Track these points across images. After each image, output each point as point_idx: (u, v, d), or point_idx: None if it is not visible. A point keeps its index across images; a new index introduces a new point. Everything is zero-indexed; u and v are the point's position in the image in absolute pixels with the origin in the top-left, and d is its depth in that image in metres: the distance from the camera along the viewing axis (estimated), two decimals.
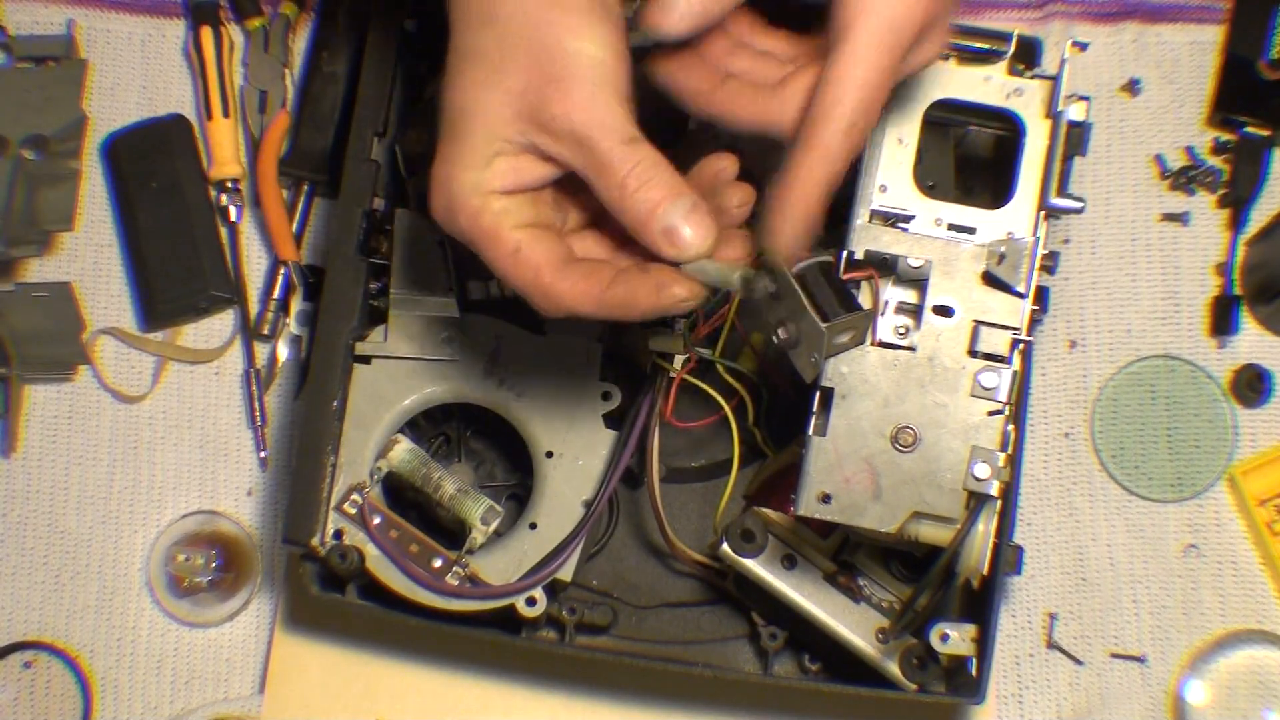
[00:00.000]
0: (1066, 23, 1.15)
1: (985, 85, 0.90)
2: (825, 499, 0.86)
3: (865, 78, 0.76)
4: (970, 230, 0.88)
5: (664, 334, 1.00)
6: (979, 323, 0.87)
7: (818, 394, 0.87)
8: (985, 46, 0.90)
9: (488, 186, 0.78)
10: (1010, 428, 0.86)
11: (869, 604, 0.98)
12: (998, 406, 0.86)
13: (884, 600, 0.98)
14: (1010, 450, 0.86)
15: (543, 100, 0.76)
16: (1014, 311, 0.87)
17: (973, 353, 0.87)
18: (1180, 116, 1.15)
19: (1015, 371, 0.86)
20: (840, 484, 0.86)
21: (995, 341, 0.86)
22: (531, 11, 0.77)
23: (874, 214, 0.88)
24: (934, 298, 0.87)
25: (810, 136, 0.76)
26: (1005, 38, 0.90)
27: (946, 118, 0.96)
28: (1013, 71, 0.90)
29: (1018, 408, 0.89)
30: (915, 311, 0.88)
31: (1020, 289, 0.86)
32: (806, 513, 0.86)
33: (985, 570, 0.87)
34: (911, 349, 0.87)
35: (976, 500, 0.85)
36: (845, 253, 0.88)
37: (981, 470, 0.85)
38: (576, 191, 0.81)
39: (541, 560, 0.99)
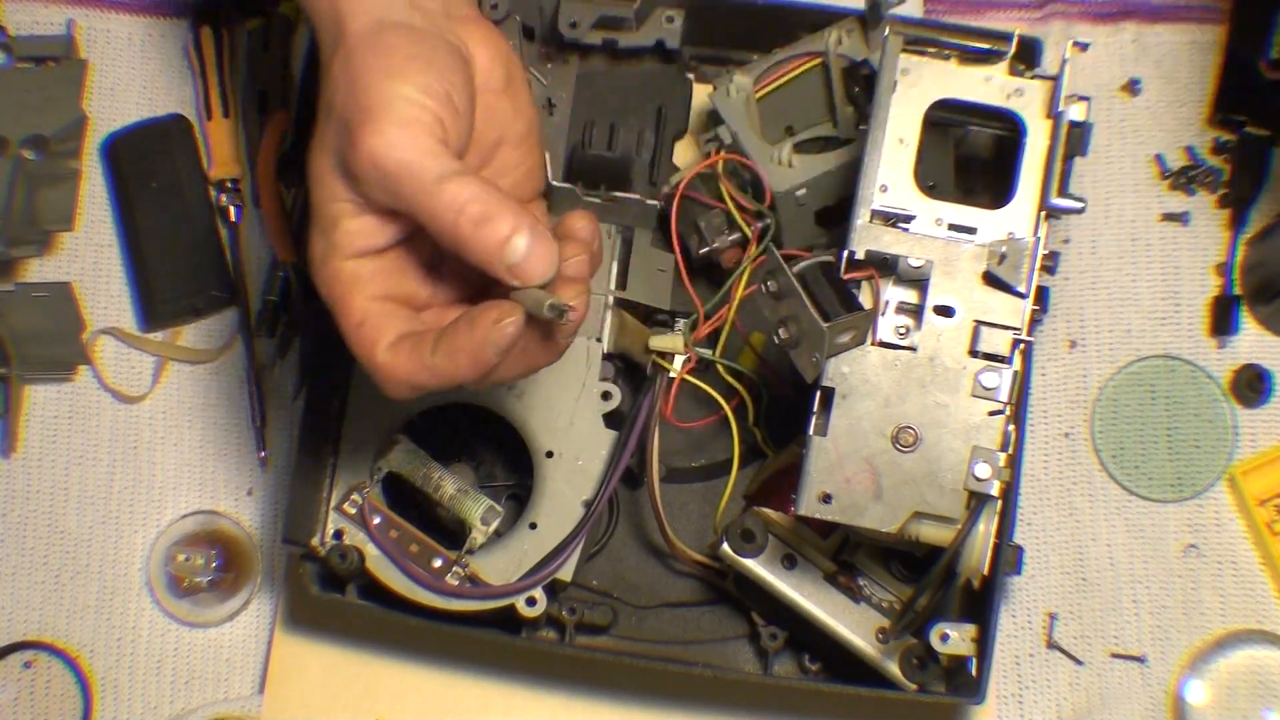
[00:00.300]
0: (1066, 23, 1.15)
1: (986, 85, 0.90)
2: (826, 499, 0.86)
3: None
4: (971, 230, 0.88)
5: (664, 333, 1.00)
6: (980, 323, 0.86)
7: (818, 394, 0.87)
8: (986, 46, 0.90)
9: (338, 252, 0.76)
10: (1011, 428, 0.86)
11: (869, 604, 0.98)
12: (998, 406, 0.86)
13: (884, 600, 0.98)
14: (1011, 450, 0.86)
15: (351, 144, 0.74)
16: (1015, 311, 0.87)
17: (973, 353, 0.86)
18: (1180, 116, 1.15)
19: (1016, 371, 0.86)
20: (841, 484, 0.86)
21: (996, 341, 0.86)
22: (356, 60, 0.75)
23: (875, 214, 0.88)
24: (935, 298, 0.87)
25: None
26: (1006, 38, 0.90)
27: (947, 118, 0.96)
28: (1013, 72, 0.90)
29: (1018, 408, 0.88)
30: (916, 311, 0.87)
31: (1021, 289, 0.86)
32: (807, 512, 0.86)
33: (986, 570, 0.87)
34: (912, 349, 0.87)
35: (977, 500, 0.85)
36: (846, 252, 0.88)
37: (982, 470, 0.85)
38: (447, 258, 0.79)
39: (541, 560, 0.99)
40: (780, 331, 0.86)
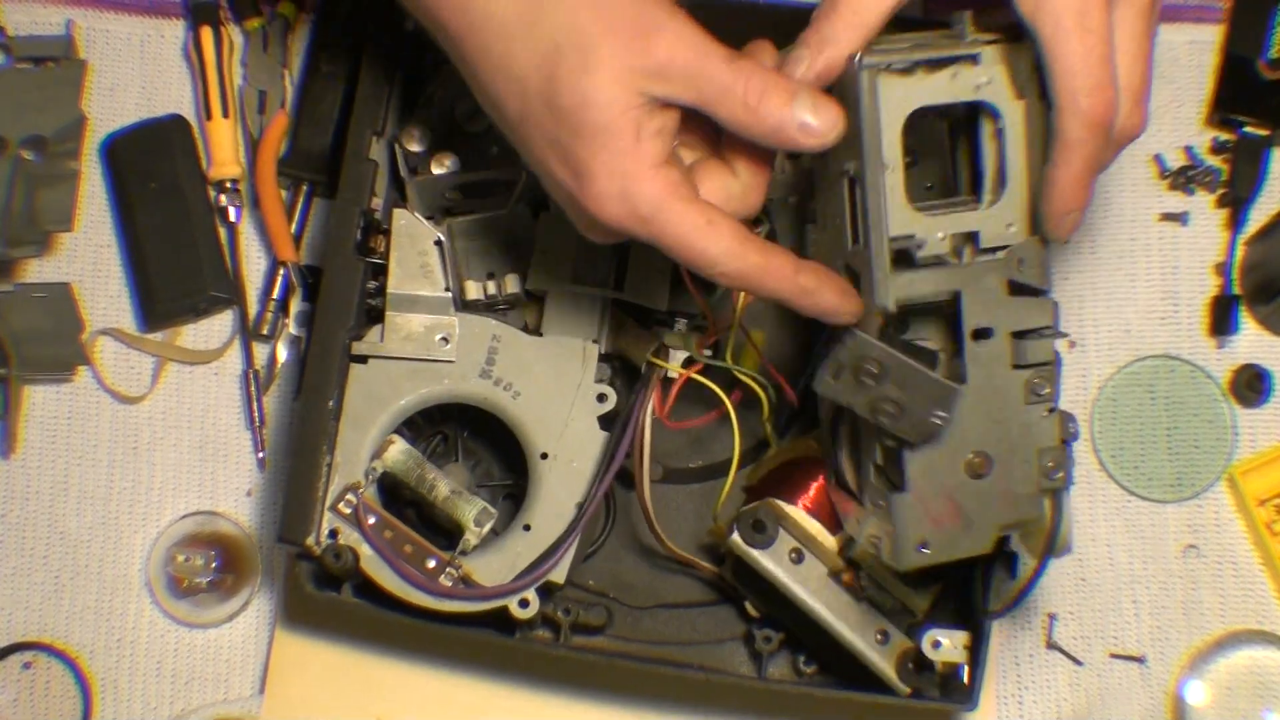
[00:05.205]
0: None
1: (953, 82, 0.81)
2: (922, 545, 0.85)
3: (1079, 54, 0.77)
4: (974, 234, 0.85)
5: (671, 334, 0.99)
6: (1016, 335, 0.84)
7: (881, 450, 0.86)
8: (952, 54, 0.84)
9: (652, 159, 0.77)
10: (1063, 419, 0.86)
11: (871, 605, 0.96)
12: (1050, 405, 0.85)
13: (888, 602, 0.97)
14: (1066, 436, 0.86)
15: (647, 50, 0.76)
16: (1045, 312, 0.84)
17: (1017, 365, 0.84)
18: (1179, 116, 1.11)
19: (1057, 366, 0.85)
20: (931, 527, 0.84)
21: (1038, 351, 0.83)
22: None
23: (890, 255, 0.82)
24: (970, 323, 0.83)
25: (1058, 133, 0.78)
26: (952, 25, 0.83)
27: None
28: (979, 27, 0.82)
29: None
30: (956, 341, 0.85)
31: (1045, 286, 0.84)
32: (909, 565, 0.85)
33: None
34: (962, 379, 0.84)
35: (1054, 495, 0.85)
36: (888, 313, 0.83)
37: (1050, 466, 0.85)
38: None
39: (534, 562, 0.96)
40: (884, 413, 0.83)
